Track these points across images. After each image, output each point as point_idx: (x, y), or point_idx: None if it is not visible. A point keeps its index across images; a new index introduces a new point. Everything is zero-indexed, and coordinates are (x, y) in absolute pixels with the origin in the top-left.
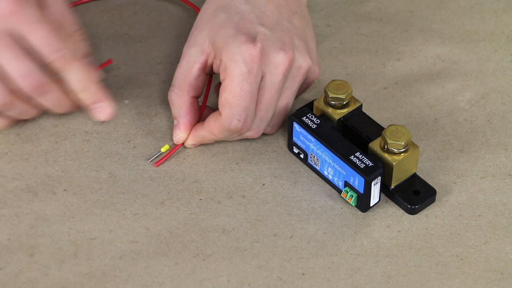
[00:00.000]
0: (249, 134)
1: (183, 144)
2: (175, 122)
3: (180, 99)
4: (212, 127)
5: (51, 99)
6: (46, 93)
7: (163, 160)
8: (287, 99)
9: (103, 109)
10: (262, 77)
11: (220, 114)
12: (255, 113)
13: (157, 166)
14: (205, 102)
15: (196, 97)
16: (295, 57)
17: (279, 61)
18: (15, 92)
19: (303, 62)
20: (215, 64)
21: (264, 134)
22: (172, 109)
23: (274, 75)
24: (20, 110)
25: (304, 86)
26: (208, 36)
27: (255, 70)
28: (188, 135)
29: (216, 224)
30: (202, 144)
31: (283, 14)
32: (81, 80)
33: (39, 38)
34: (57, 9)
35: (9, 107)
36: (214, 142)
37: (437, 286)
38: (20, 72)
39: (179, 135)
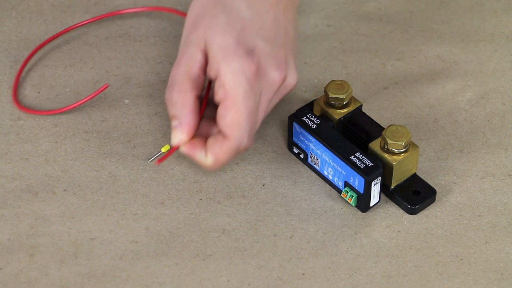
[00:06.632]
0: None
1: (178, 147)
2: (176, 122)
3: (183, 98)
4: (218, 155)
5: None
6: None
7: (165, 158)
8: (264, 113)
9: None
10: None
11: (224, 138)
12: None
13: (159, 164)
14: (205, 103)
15: (198, 96)
16: (287, 75)
17: (274, 79)
18: None
19: (292, 80)
20: (209, 68)
21: (264, 135)
22: (173, 109)
23: (268, 92)
24: None
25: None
26: (203, 36)
27: (256, 87)
28: (190, 137)
29: (216, 224)
30: None
31: (281, 23)
32: None
33: None
34: None
35: None
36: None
37: (437, 286)
38: None
39: (181, 137)
